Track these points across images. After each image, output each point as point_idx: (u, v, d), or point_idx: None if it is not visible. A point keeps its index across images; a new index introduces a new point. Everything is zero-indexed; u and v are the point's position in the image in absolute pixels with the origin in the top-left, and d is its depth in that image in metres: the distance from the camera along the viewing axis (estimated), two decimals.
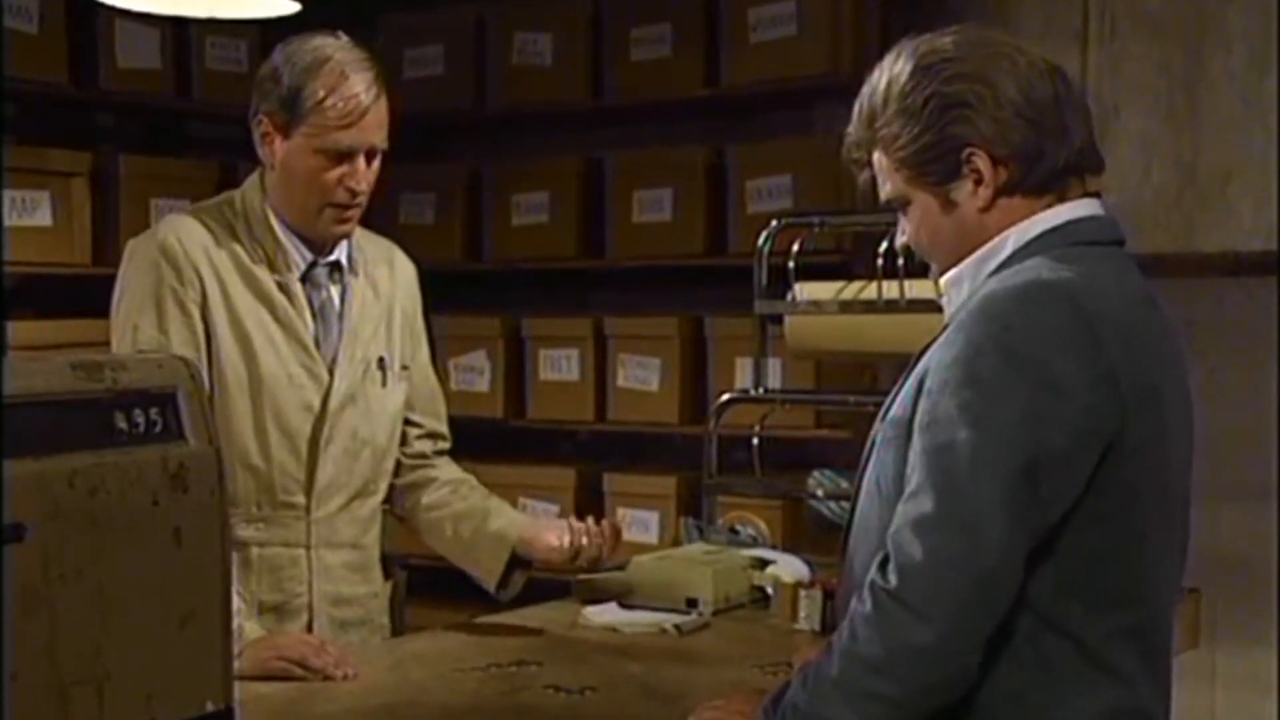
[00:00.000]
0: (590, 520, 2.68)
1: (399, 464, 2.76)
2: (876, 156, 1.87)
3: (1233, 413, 4.01)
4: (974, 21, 1.94)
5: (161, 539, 1.55)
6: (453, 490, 2.77)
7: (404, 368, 2.72)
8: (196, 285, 2.52)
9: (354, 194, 2.54)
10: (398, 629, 2.80)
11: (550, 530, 2.68)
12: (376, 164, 2.58)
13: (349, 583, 2.65)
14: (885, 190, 1.89)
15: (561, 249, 4.89)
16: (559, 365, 4.82)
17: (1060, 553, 1.70)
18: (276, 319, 2.56)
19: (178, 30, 4.67)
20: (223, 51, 4.81)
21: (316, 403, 2.58)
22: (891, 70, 1.84)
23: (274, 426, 2.55)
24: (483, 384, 4.90)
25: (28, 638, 1.42)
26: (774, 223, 3.64)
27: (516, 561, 2.70)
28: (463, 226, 5.06)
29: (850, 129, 1.90)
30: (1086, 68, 4.19)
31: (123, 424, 1.54)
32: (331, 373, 2.59)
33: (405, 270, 2.79)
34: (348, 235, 2.62)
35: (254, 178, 2.62)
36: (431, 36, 5.09)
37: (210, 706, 1.60)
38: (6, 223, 4.17)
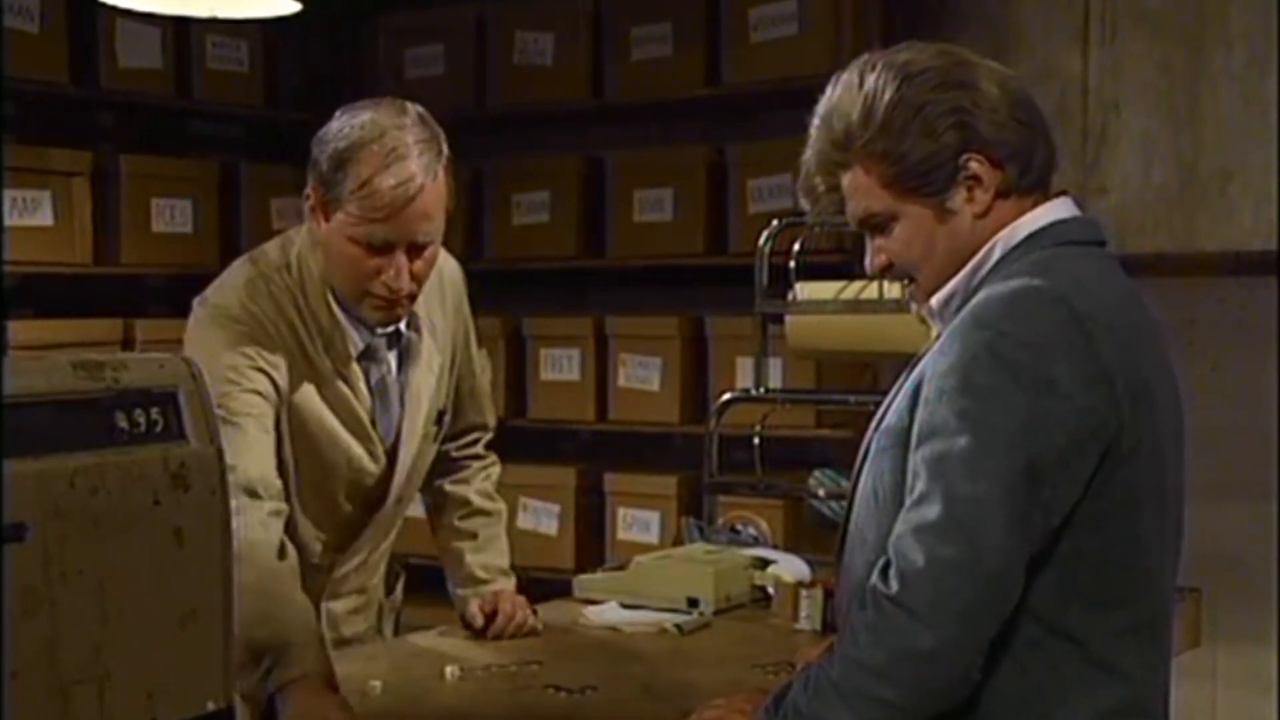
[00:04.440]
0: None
1: (440, 472, 2.72)
2: (849, 177, 1.83)
3: (1234, 412, 4.01)
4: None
5: (162, 539, 1.55)
6: (469, 522, 2.72)
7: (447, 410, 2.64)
8: (268, 357, 2.34)
9: (393, 290, 2.30)
10: (397, 630, 2.79)
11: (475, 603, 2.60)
12: (430, 252, 2.32)
13: (350, 625, 2.65)
14: (861, 210, 1.83)
15: (562, 248, 4.88)
16: (559, 365, 4.81)
17: (1060, 557, 1.70)
18: (331, 405, 2.40)
19: (178, 30, 4.67)
20: (223, 51, 4.81)
21: (371, 484, 2.50)
22: (864, 88, 1.80)
23: (317, 503, 2.47)
24: None
25: (28, 637, 1.42)
26: (775, 222, 3.65)
27: None
28: (463, 226, 5.04)
29: (810, 156, 1.86)
30: (1087, 68, 4.19)
31: (123, 423, 1.54)
32: (393, 460, 2.48)
33: (454, 279, 2.63)
34: (395, 323, 2.43)
35: (306, 238, 2.39)
36: (431, 36, 5.07)
37: (211, 706, 1.60)
38: (6, 223, 4.17)
